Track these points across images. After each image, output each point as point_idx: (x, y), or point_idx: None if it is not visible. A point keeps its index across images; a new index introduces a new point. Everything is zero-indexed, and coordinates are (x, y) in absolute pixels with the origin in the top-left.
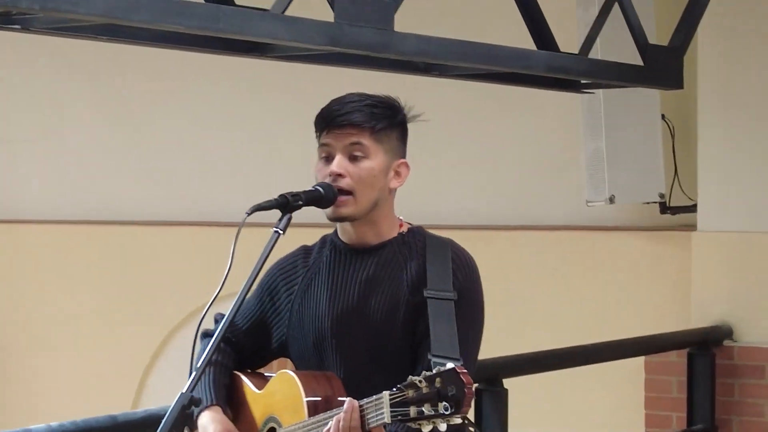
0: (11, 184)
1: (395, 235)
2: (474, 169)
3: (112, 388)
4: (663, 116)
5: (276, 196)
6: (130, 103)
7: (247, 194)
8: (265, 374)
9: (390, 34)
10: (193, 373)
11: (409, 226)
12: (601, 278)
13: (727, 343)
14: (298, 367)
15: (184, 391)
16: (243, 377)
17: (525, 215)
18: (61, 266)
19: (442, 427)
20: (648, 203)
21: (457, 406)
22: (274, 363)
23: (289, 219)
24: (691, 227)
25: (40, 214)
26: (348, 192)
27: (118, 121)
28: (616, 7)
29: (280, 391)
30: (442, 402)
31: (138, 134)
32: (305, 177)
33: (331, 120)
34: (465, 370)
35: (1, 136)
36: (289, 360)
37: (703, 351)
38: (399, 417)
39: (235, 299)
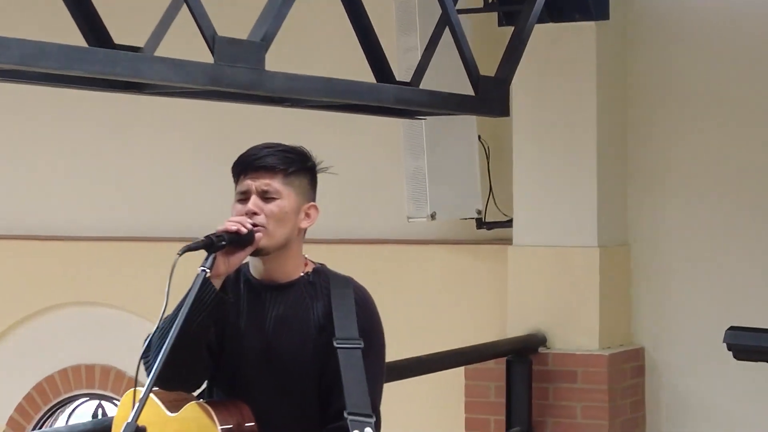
0: None
1: (301, 274)
2: None
3: None
4: (479, 138)
5: (202, 237)
6: None
7: (74, 208)
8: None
9: (261, 73)
10: (137, 404)
11: (314, 265)
12: (419, 290)
13: (542, 350)
14: (216, 389)
15: (129, 420)
16: (154, 398)
17: (345, 230)
18: None
19: None
20: (465, 219)
21: None
22: None
23: (215, 258)
24: (506, 241)
25: None
26: (262, 226)
27: None
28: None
29: (194, 420)
30: None
31: None
32: (117, 188)
33: (248, 165)
34: None
35: None
36: None
37: (521, 358)
38: None
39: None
